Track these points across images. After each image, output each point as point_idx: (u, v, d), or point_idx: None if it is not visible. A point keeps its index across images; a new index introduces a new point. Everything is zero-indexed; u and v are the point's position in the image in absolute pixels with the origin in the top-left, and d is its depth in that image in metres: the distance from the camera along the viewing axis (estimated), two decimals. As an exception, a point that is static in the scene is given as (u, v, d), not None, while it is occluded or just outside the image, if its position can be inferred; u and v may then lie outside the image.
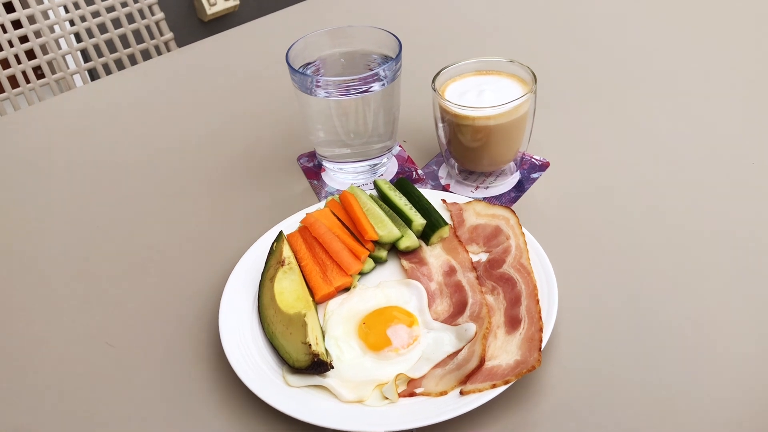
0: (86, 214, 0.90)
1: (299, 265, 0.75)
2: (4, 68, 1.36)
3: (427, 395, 0.63)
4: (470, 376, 0.64)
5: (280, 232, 0.77)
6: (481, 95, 0.80)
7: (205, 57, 1.20)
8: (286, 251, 0.75)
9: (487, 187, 0.85)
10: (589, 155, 0.89)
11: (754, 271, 0.73)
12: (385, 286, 0.74)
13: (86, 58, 1.49)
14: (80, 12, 1.43)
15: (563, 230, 0.79)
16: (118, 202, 0.91)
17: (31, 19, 1.40)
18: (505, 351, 0.66)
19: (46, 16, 1.41)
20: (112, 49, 1.48)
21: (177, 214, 0.89)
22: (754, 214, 0.79)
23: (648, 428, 0.61)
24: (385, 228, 0.76)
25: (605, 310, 0.70)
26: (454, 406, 0.61)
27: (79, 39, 1.44)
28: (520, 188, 0.85)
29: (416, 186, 0.83)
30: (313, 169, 0.91)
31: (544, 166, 0.87)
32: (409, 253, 0.77)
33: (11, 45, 1.37)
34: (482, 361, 0.64)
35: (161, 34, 1.50)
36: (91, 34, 1.44)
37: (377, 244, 0.77)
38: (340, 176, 0.88)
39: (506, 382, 0.62)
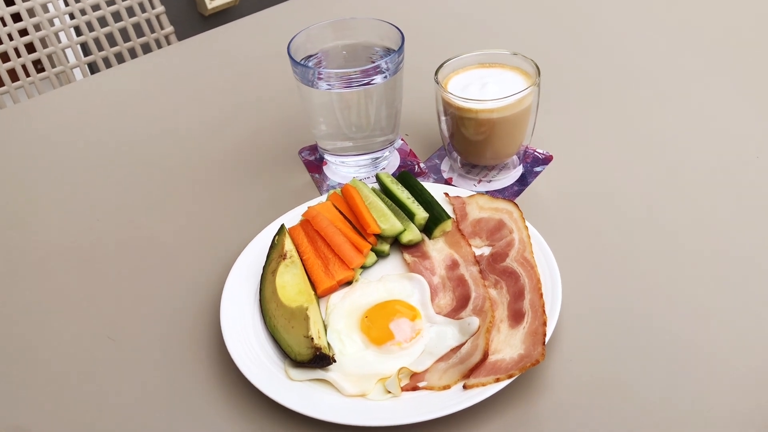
0: (86, 207, 0.90)
1: (301, 259, 0.75)
2: (3, 62, 1.36)
3: (430, 389, 0.63)
4: (473, 370, 0.63)
5: (282, 226, 0.77)
6: (484, 88, 0.80)
7: (205, 50, 1.19)
8: (288, 245, 0.75)
9: (490, 180, 0.85)
10: (592, 149, 0.89)
11: (759, 264, 0.72)
12: (387, 280, 0.74)
13: (86, 51, 1.49)
14: (80, 5, 1.42)
15: (567, 224, 0.79)
16: (118, 196, 0.91)
17: (31, 12, 1.39)
18: (508, 345, 0.65)
19: (45, 9, 1.40)
20: (113, 42, 1.47)
21: (177, 208, 0.88)
22: (762, 203, 0.78)
23: (652, 423, 0.61)
24: (387, 221, 0.76)
25: (609, 304, 0.70)
26: (457, 400, 0.61)
27: (79, 32, 1.44)
28: (523, 182, 0.84)
29: (418, 180, 0.82)
30: (314, 163, 0.91)
31: (547, 160, 0.87)
32: (412, 247, 0.77)
33: (11, 38, 1.36)
34: (485, 355, 0.64)
35: (162, 28, 1.49)
36: (91, 28, 1.43)
37: (379, 237, 0.76)
38: (341, 170, 0.88)
39: (510, 376, 0.62)
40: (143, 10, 1.47)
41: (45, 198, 0.92)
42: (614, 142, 0.89)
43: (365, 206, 0.77)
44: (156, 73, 1.16)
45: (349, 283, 0.74)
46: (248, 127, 0.99)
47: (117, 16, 1.46)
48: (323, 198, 0.82)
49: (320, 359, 0.64)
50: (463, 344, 0.66)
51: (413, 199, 0.79)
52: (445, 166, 0.88)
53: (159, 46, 1.50)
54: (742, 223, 0.77)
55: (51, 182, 0.94)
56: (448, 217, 0.77)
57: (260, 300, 0.71)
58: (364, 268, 0.75)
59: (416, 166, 0.88)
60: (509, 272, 0.72)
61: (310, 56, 0.84)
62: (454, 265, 0.74)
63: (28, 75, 1.39)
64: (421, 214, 0.77)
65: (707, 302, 0.69)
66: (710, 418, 0.61)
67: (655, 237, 0.76)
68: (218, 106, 1.04)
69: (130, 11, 1.46)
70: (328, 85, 0.79)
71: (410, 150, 0.91)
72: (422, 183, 0.81)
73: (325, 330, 0.69)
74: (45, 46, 1.40)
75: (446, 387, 0.63)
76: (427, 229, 0.77)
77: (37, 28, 1.39)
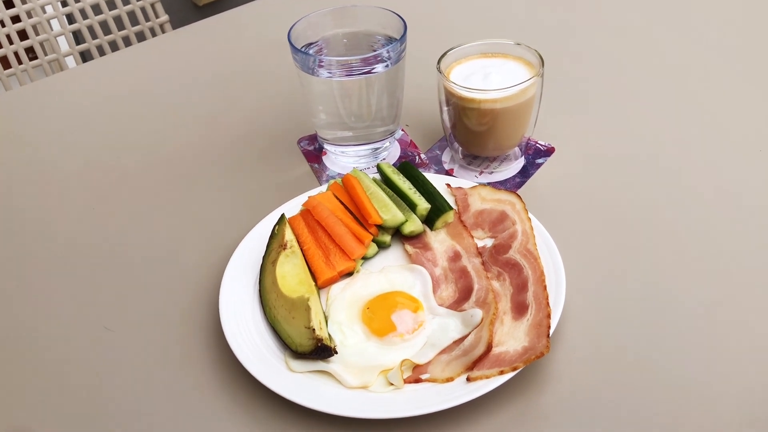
0: (81, 196, 0.88)
1: (301, 249, 0.74)
2: (-5, 49, 1.34)
3: (433, 381, 0.62)
4: (477, 362, 0.62)
5: (282, 215, 0.76)
6: (487, 78, 0.79)
7: (201, 39, 1.18)
8: (288, 234, 0.74)
9: (492, 172, 0.84)
10: (594, 141, 0.88)
11: (764, 251, 0.72)
12: (388, 271, 0.73)
13: (79, 39, 1.47)
14: (74, -8, 1.40)
15: (569, 216, 0.78)
16: (113, 185, 0.89)
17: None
18: (512, 337, 0.64)
19: (38, -4, 1.38)
20: (106, 30, 1.45)
21: (175, 198, 0.87)
22: (763, 192, 0.78)
23: (657, 415, 0.60)
24: (389, 212, 0.75)
25: (613, 295, 0.69)
26: (461, 392, 0.60)
27: (72, 20, 1.41)
28: (525, 173, 0.84)
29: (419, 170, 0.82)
30: (313, 153, 0.89)
31: (549, 152, 0.86)
32: (413, 238, 0.76)
33: (3, 25, 1.34)
34: (489, 347, 0.63)
35: (156, 17, 1.47)
36: (84, 15, 1.41)
37: (381, 228, 0.75)
38: (341, 160, 0.87)
39: (514, 369, 0.61)
40: (138, -2, 1.45)
41: (39, 187, 0.90)
42: (617, 133, 0.89)
43: (366, 196, 0.76)
44: (150, 62, 1.14)
45: (350, 274, 0.73)
46: (245, 117, 0.97)
47: (111, 4, 1.44)
48: (323, 188, 0.80)
49: (322, 350, 0.63)
50: (466, 336, 0.65)
51: (415, 189, 0.78)
52: (446, 157, 0.87)
53: (153, 35, 1.48)
54: (745, 213, 0.76)
55: (44, 171, 0.93)
56: (450, 208, 0.76)
57: (260, 290, 0.70)
58: (365, 259, 0.74)
59: (417, 157, 0.87)
60: (512, 264, 0.71)
61: (311, 44, 0.83)
62: (456, 257, 0.73)
63: (20, 62, 1.37)
64: (423, 205, 0.76)
65: (712, 292, 0.69)
66: (717, 409, 0.60)
67: (657, 228, 0.76)
68: (214, 95, 1.03)
69: (125, -1, 1.44)
70: (329, 73, 0.78)
71: (411, 141, 0.90)
72: (423, 174, 0.80)
73: (326, 321, 0.68)
74: (37, 33, 1.38)
75: (449, 379, 0.62)
76: (429, 220, 0.76)
77: (30, 15, 1.37)
